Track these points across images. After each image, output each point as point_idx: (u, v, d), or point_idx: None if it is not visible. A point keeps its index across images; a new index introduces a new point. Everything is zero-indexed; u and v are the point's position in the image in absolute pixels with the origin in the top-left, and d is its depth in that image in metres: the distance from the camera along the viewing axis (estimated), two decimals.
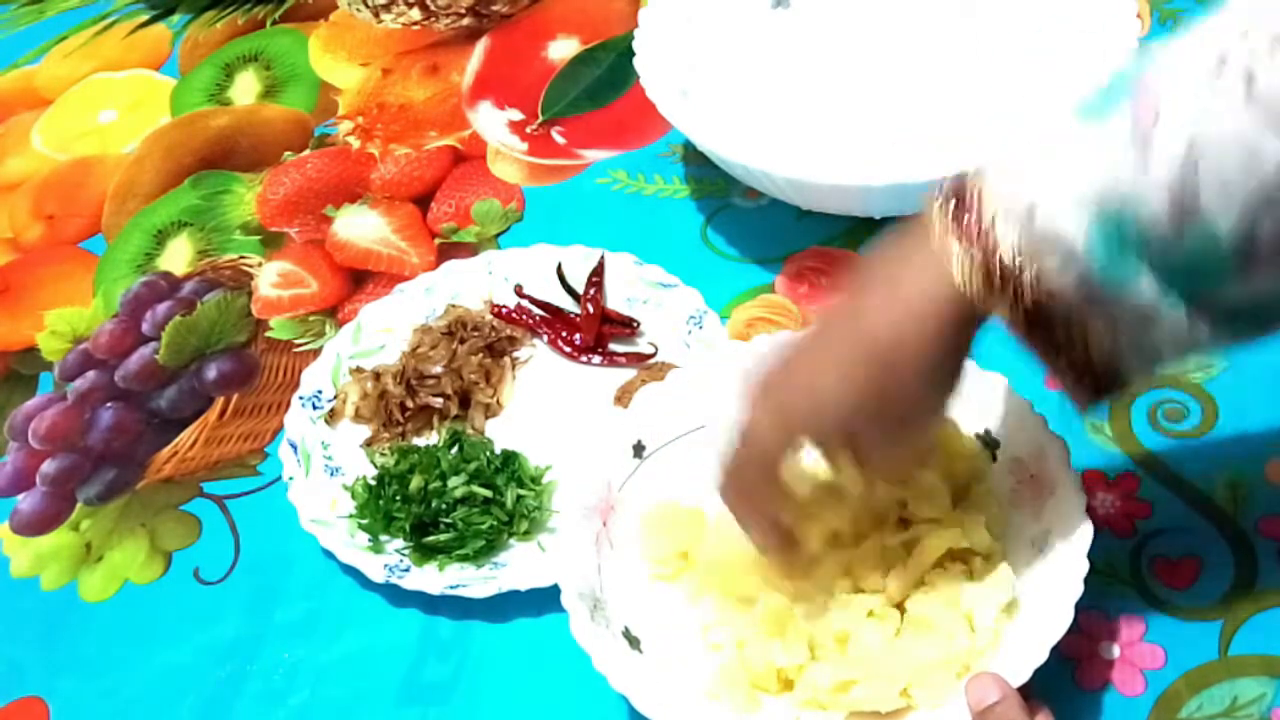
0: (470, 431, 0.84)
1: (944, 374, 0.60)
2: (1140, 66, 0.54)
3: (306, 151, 1.09)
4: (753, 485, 0.63)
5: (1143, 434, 0.77)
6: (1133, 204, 0.52)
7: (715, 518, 0.71)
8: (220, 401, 0.92)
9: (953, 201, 0.58)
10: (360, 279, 0.98)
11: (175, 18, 1.25)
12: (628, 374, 0.86)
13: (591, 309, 0.88)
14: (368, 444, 0.85)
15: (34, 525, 0.88)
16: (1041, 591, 0.65)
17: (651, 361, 0.86)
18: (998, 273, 0.55)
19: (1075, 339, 0.56)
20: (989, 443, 0.72)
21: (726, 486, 0.65)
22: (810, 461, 0.67)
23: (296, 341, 0.95)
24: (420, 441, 0.85)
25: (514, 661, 0.75)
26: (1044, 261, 0.55)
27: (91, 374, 0.96)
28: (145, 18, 1.26)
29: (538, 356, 0.89)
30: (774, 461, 0.62)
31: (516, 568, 0.77)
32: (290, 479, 0.82)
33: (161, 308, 0.98)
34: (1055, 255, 0.54)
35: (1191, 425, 0.77)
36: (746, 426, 0.62)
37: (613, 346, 0.88)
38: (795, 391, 0.61)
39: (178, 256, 1.03)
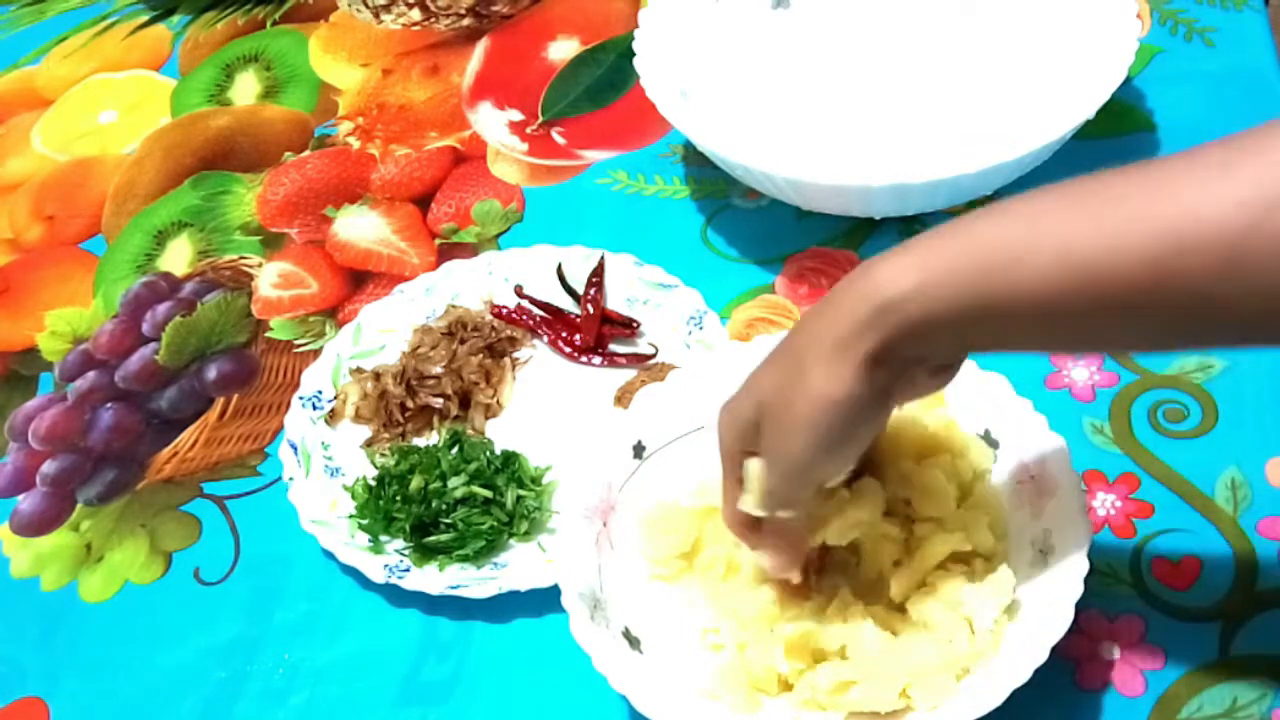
0: (470, 432, 0.84)
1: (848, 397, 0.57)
2: None
3: (307, 152, 1.09)
4: (722, 474, 0.64)
5: (1143, 434, 0.77)
6: None
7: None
8: (220, 402, 0.92)
9: None
10: (360, 279, 0.98)
11: (175, 18, 1.25)
12: (628, 374, 0.86)
13: (591, 309, 0.88)
14: (368, 444, 0.85)
15: (34, 526, 0.88)
16: (1042, 592, 0.65)
17: (652, 362, 0.86)
18: None
19: None
20: (989, 443, 0.72)
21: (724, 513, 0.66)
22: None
23: (297, 342, 0.95)
24: (420, 442, 0.85)
25: (514, 662, 0.75)
26: None
27: (91, 374, 0.96)
28: (145, 18, 1.26)
29: (538, 357, 0.89)
30: (723, 453, 0.63)
31: (516, 568, 0.77)
32: (290, 479, 0.82)
33: (162, 308, 0.98)
34: None
35: (1191, 425, 0.77)
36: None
37: (613, 347, 0.88)
38: (732, 403, 0.62)
39: (178, 257, 1.03)
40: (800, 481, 0.61)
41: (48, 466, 0.90)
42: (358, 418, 0.86)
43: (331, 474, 0.83)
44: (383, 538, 0.79)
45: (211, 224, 1.05)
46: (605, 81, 1.09)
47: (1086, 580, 0.63)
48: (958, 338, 0.56)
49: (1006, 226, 0.54)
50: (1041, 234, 0.52)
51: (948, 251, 0.54)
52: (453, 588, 0.76)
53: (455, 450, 0.81)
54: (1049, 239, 0.52)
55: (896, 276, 0.54)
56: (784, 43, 1.00)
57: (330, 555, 0.79)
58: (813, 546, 0.67)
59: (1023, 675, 0.61)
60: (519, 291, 0.91)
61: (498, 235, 0.98)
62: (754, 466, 0.61)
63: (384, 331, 0.91)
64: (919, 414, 0.70)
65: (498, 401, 0.86)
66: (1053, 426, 0.70)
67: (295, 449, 0.84)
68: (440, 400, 0.86)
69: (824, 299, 0.58)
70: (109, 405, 0.93)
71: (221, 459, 0.88)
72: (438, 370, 0.87)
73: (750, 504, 0.63)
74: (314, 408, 0.87)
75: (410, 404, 0.86)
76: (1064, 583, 0.63)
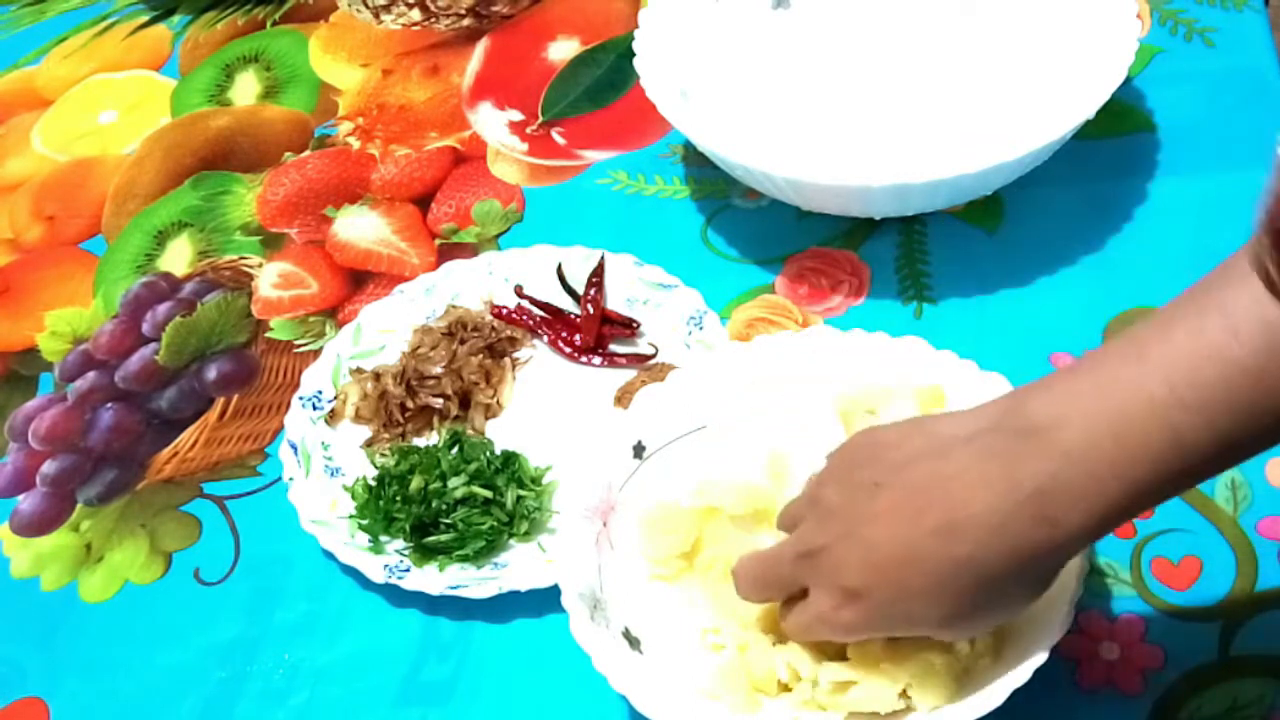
0: (470, 432, 0.84)
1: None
2: None
3: (307, 152, 1.09)
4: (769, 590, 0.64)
5: None
6: None
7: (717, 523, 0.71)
8: (220, 402, 0.92)
9: None
10: (360, 280, 0.98)
11: (175, 18, 1.25)
12: (628, 375, 0.86)
13: (592, 310, 0.88)
14: (368, 444, 0.85)
15: (34, 526, 0.88)
16: None
17: (652, 362, 0.86)
18: None
19: None
20: None
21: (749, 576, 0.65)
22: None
23: (297, 342, 0.95)
24: (420, 442, 0.85)
25: (514, 662, 0.75)
26: None
27: (91, 375, 0.96)
28: (145, 18, 1.26)
29: (538, 357, 0.89)
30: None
31: (517, 568, 0.77)
32: (290, 480, 0.82)
33: (162, 308, 0.98)
34: None
35: None
36: (817, 615, 0.61)
37: (613, 347, 0.88)
38: (888, 603, 0.58)
39: (178, 257, 1.03)
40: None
41: (48, 467, 0.90)
42: (358, 418, 0.86)
43: (331, 474, 0.83)
44: (383, 538, 0.79)
45: (211, 224, 1.05)
46: (605, 81, 1.09)
47: (1086, 580, 0.63)
48: None
49: (1173, 428, 0.53)
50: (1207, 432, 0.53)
51: (1131, 480, 0.54)
52: (453, 588, 0.76)
53: (455, 450, 0.81)
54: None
55: (1095, 522, 0.55)
56: (784, 43, 1.00)
57: (330, 555, 0.79)
58: None
59: (1023, 675, 0.61)
60: (519, 291, 0.91)
61: (498, 235, 0.98)
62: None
63: (384, 332, 0.91)
64: (920, 414, 0.70)
65: (498, 401, 0.86)
66: None
67: (295, 449, 0.84)
68: (440, 400, 0.86)
69: (976, 517, 0.55)
70: (109, 405, 0.93)
71: (221, 459, 0.88)
72: (438, 370, 0.87)
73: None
74: (314, 408, 0.87)
75: (410, 404, 0.86)
76: (1064, 583, 0.63)
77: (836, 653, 0.65)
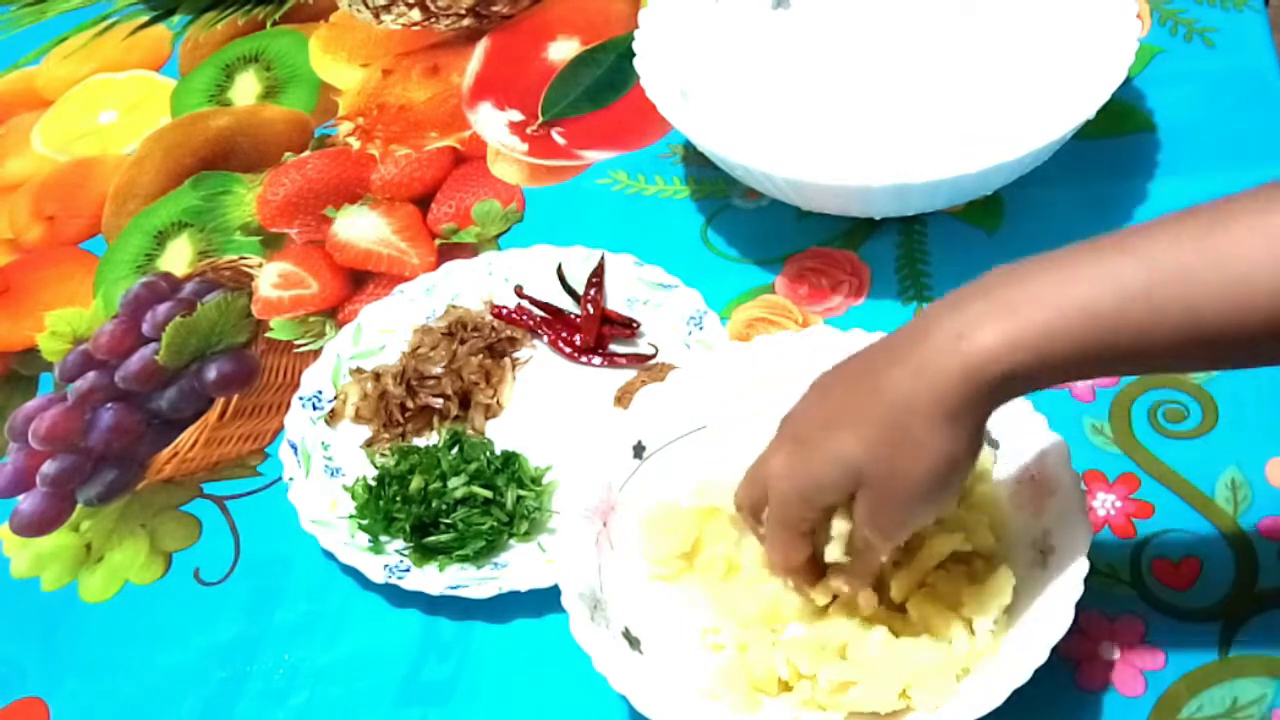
0: (470, 432, 0.84)
1: (948, 459, 0.58)
2: None
3: (307, 152, 1.09)
4: (774, 524, 0.63)
5: (1143, 434, 0.77)
6: None
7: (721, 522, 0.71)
8: (220, 402, 0.92)
9: None
10: (360, 280, 0.98)
11: (175, 18, 1.25)
12: (628, 375, 0.86)
13: (592, 310, 0.88)
14: (368, 444, 0.85)
15: (34, 526, 0.88)
16: (1041, 592, 0.65)
17: (652, 362, 0.86)
18: None
19: None
20: (989, 443, 0.72)
21: (743, 504, 0.66)
22: None
23: (297, 342, 0.95)
24: (420, 442, 0.85)
25: (514, 662, 0.75)
26: None
27: (92, 375, 0.96)
28: (145, 19, 1.26)
29: (538, 357, 0.89)
30: (792, 512, 0.62)
31: (517, 568, 0.77)
32: (290, 480, 0.82)
33: (162, 308, 0.98)
34: None
35: (1191, 425, 0.77)
36: (769, 463, 0.62)
37: (613, 347, 0.88)
38: (811, 442, 0.60)
39: (178, 257, 1.03)
40: (906, 532, 0.62)
41: (48, 467, 0.90)
42: (358, 418, 0.86)
43: (331, 474, 0.83)
44: (383, 538, 0.79)
45: (211, 224, 1.05)
46: (605, 82, 1.09)
47: (1086, 580, 0.63)
48: (1066, 379, 0.57)
49: (1120, 281, 0.53)
50: (1163, 298, 0.52)
51: (1058, 312, 0.53)
52: (453, 588, 0.76)
53: (455, 450, 0.81)
54: (1173, 305, 0.52)
55: (1003, 345, 0.54)
56: (784, 43, 1.00)
57: (330, 555, 0.79)
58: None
59: (1023, 675, 0.61)
60: (519, 292, 0.91)
61: (498, 235, 0.98)
62: (843, 525, 0.62)
63: (384, 332, 0.91)
64: None
65: (498, 402, 0.86)
66: (1053, 426, 0.70)
67: (295, 449, 0.84)
68: (440, 400, 0.86)
69: (900, 351, 0.57)
70: (109, 405, 0.93)
71: (221, 459, 0.88)
72: (438, 370, 0.87)
73: (839, 553, 0.63)
74: (314, 408, 0.87)
75: (410, 404, 0.86)
76: (1064, 583, 0.63)
77: (837, 652, 0.66)
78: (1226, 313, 0.52)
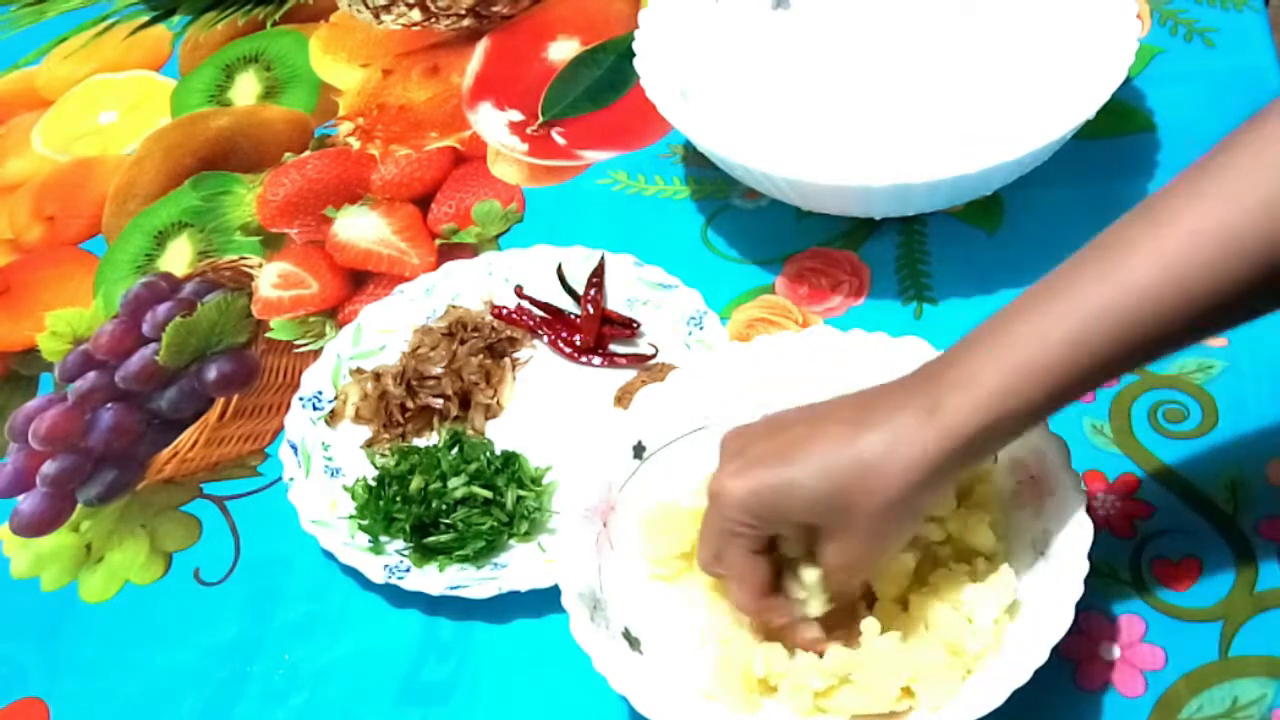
0: (470, 432, 0.84)
1: (913, 511, 0.62)
2: None
3: (307, 152, 1.09)
4: (719, 550, 0.64)
5: (1143, 434, 0.77)
6: None
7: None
8: (220, 402, 0.92)
9: None
10: (360, 280, 0.98)
11: (175, 19, 1.25)
12: (628, 375, 0.86)
13: (592, 310, 0.88)
14: (368, 445, 0.85)
15: (34, 526, 0.88)
16: (1042, 592, 0.65)
17: (652, 362, 0.86)
18: None
19: None
20: None
21: (700, 548, 0.66)
22: None
23: (297, 342, 0.95)
24: (420, 442, 0.85)
25: (514, 662, 0.75)
26: None
27: (92, 375, 0.96)
28: (145, 19, 1.26)
29: (538, 357, 0.89)
30: (736, 530, 0.63)
31: (517, 568, 0.77)
32: (290, 480, 0.82)
33: (162, 308, 0.98)
34: None
35: (1191, 425, 0.77)
36: (714, 485, 0.63)
37: (613, 347, 0.88)
38: (770, 462, 0.61)
39: (178, 257, 1.03)
40: (874, 569, 0.66)
41: (48, 467, 0.90)
42: (358, 418, 0.86)
43: (331, 474, 0.83)
44: (383, 538, 0.79)
45: (211, 224, 1.05)
46: (605, 82, 1.09)
47: (1086, 580, 0.63)
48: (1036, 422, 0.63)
49: (1047, 341, 0.59)
50: (1094, 340, 0.58)
51: (1017, 380, 0.59)
52: (453, 588, 0.76)
53: (455, 450, 0.81)
54: (1101, 340, 0.58)
55: (971, 416, 0.59)
56: (784, 43, 1.00)
57: (330, 555, 0.79)
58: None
59: (1023, 675, 0.61)
60: (519, 292, 0.91)
61: (498, 235, 0.98)
62: (813, 573, 0.64)
63: (384, 332, 0.91)
64: None
65: (498, 402, 0.86)
66: (1053, 426, 0.69)
67: (295, 449, 0.84)
68: (440, 400, 0.86)
69: (877, 413, 0.60)
70: (109, 405, 0.93)
71: (221, 459, 0.88)
72: (438, 370, 0.87)
73: (818, 608, 0.65)
74: (314, 408, 0.87)
75: (410, 404, 0.86)
76: (1064, 583, 0.63)
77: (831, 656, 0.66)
78: (1144, 336, 0.58)
